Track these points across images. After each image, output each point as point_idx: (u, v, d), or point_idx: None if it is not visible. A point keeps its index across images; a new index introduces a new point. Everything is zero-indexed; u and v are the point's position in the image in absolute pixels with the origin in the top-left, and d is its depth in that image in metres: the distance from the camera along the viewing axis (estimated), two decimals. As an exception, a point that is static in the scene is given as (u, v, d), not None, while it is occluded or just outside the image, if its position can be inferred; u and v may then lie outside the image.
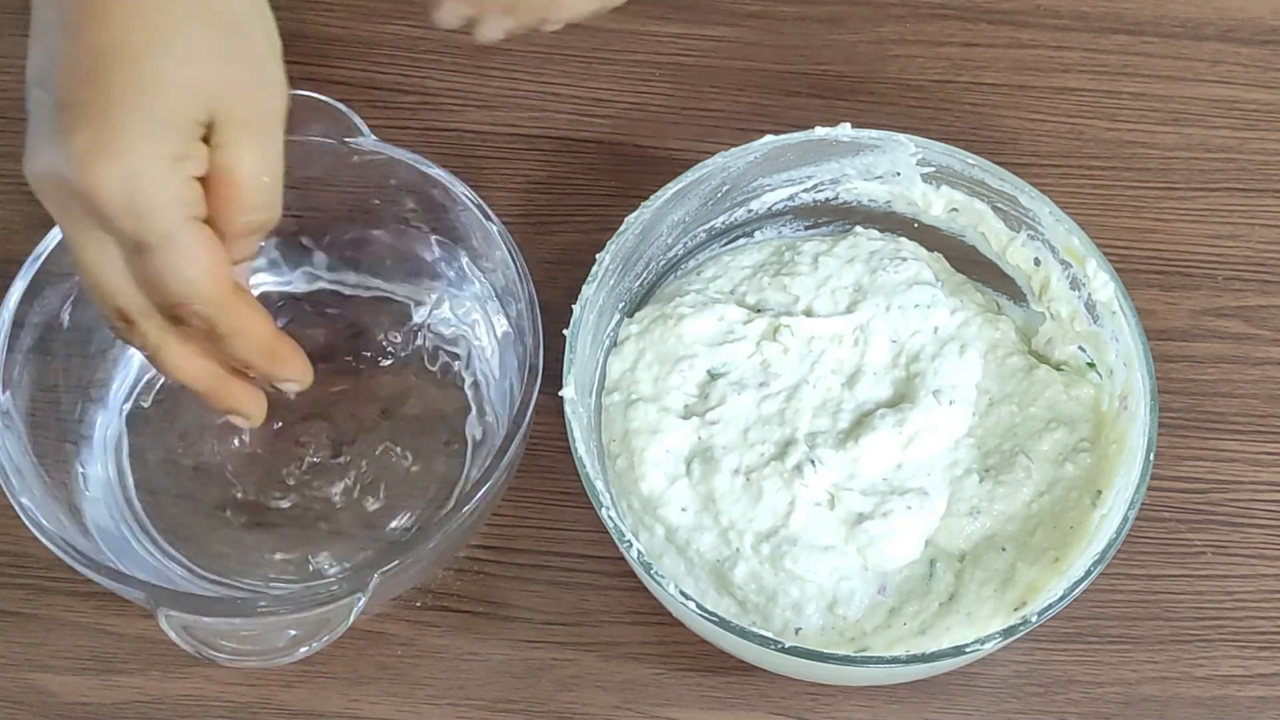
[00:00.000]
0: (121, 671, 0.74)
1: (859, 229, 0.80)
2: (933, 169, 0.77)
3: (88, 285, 0.61)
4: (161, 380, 0.79)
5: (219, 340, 0.62)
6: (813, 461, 0.72)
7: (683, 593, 0.66)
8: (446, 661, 0.74)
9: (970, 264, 0.79)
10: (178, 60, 0.58)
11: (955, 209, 0.78)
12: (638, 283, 0.77)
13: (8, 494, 0.69)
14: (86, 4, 0.57)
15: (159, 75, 0.57)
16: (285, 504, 0.77)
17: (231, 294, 0.61)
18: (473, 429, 0.78)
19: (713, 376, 0.75)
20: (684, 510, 0.72)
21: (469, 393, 0.79)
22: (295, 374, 0.66)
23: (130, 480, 0.77)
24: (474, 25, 0.73)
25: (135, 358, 0.79)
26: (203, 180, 0.60)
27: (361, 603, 0.67)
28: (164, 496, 0.76)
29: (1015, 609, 0.69)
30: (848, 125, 0.76)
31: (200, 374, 0.65)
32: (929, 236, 0.79)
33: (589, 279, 0.73)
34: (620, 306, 0.76)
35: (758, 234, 0.81)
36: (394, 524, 0.76)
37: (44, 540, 0.68)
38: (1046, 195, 0.75)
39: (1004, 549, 0.71)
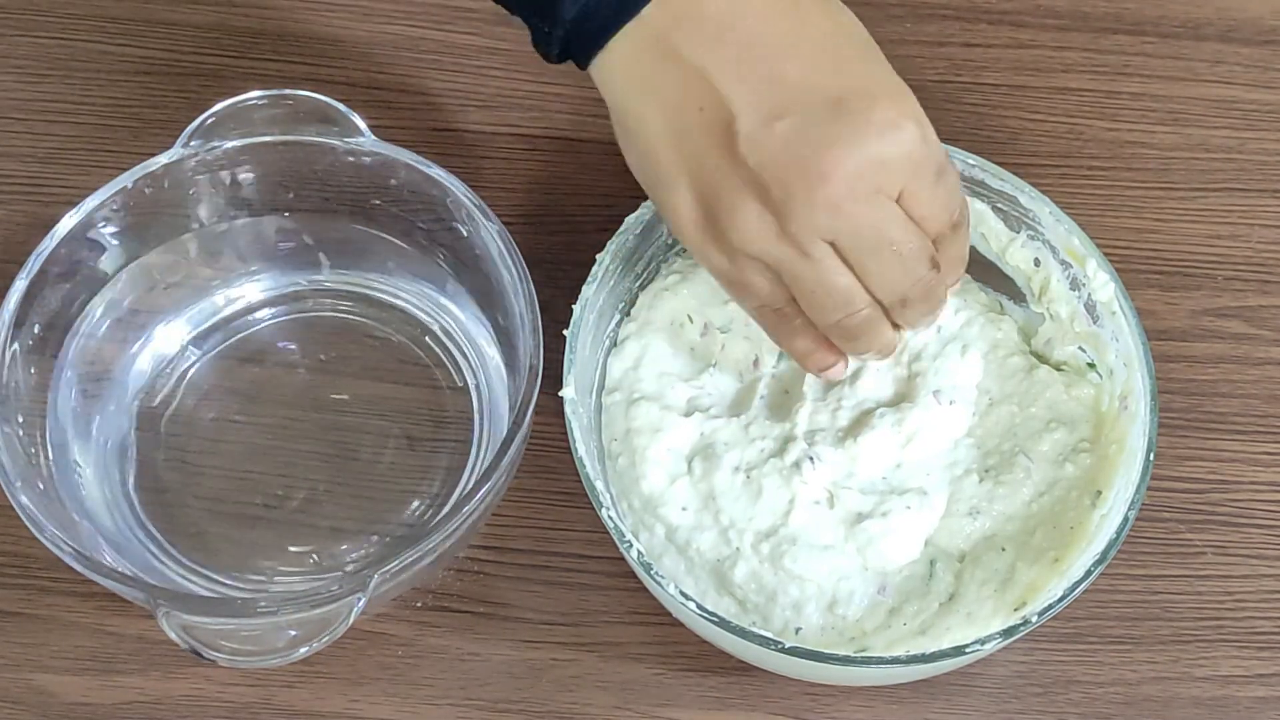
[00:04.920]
0: (122, 671, 0.74)
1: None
2: (933, 169, 0.77)
3: (894, 256, 0.64)
4: (163, 380, 0.79)
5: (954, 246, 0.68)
6: (811, 458, 0.72)
7: (683, 593, 0.66)
8: (447, 662, 0.74)
9: (970, 264, 0.79)
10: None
11: (955, 209, 0.78)
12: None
13: (8, 494, 0.69)
14: (786, 17, 0.63)
15: (869, 37, 0.65)
16: (285, 503, 0.77)
17: None
18: (473, 429, 0.78)
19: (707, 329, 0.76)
20: (684, 509, 0.72)
21: (469, 393, 0.79)
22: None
23: (131, 480, 0.77)
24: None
25: (136, 358, 0.79)
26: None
27: (361, 603, 0.67)
28: (164, 496, 0.77)
29: (1015, 609, 0.69)
30: (848, 125, 0.75)
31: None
32: (929, 237, 0.79)
33: (589, 279, 0.73)
34: (620, 306, 0.76)
35: (758, 234, 0.81)
36: (395, 524, 0.76)
37: (44, 540, 0.68)
38: (1046, 195, 0.75)
39: (1004, 549, 0.71)
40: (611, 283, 0.74)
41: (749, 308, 0.68)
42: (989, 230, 0.77)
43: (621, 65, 0.63)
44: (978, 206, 0.77)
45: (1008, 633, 0.65)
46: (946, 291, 0.68)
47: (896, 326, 0.69)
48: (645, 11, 0.61)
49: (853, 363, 0.75)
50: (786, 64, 0.61)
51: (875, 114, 0.62)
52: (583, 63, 0.64)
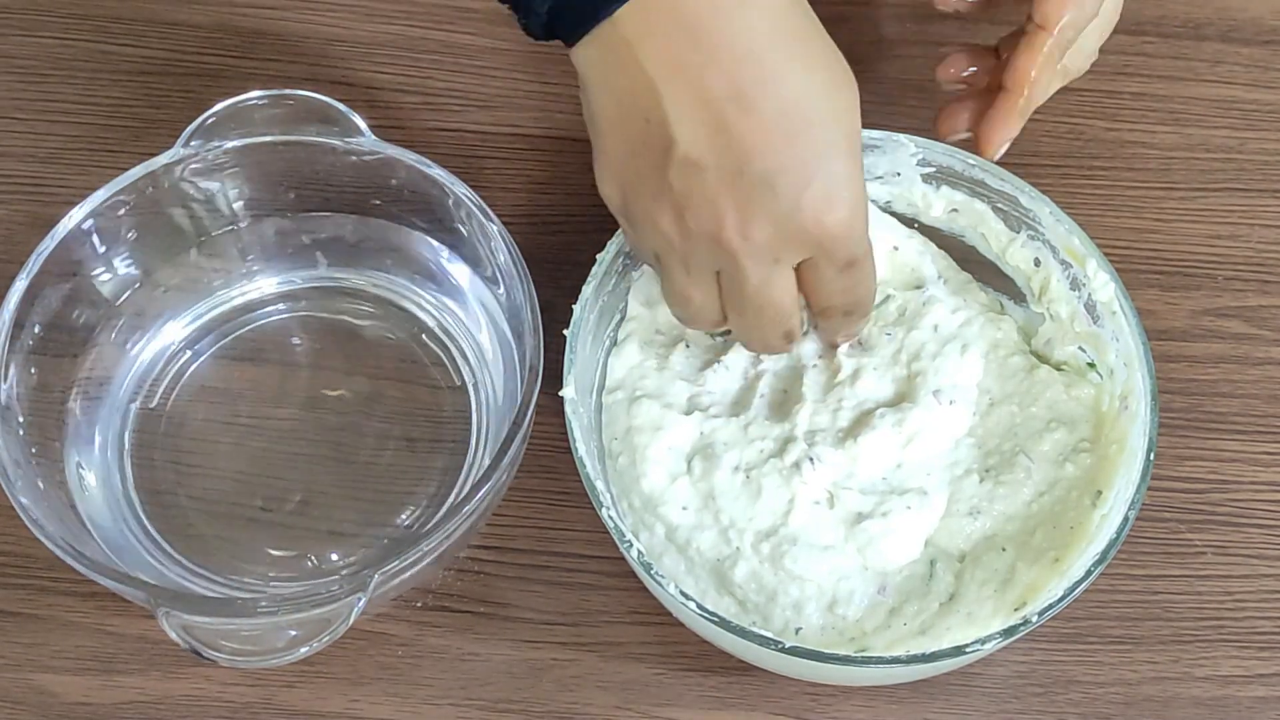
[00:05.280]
0: (122, 672, 0.74)
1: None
2: (933, 169, 0.77)
3: (771, 316, 0.68)
4: (162, 381, 0.79)
5: (844, 324, 0.73)
6: (811, 459, 0.72)
7: (683, 593, 0.66)
8: (447, 662, 0.74)
9: (970, 265, 0.79)
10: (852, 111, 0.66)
11: (955, 209, 0.78)
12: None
13: (8, 494, 0.69)
14: (757, 78, 0.62)
15: (850, 130, 0.65)
16: (285, 503, 0.77)
17: None
18: (473, 429, 0.78)
19: (711, 336, 0.76)
20: (684, 509, 0.72)
21: (469, 393, 0.79)
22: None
23: (130, 480, 0.77)
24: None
25: (136, 358, 0.79)
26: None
27: (361, 603, 0.67)
28: (164, 496, 0.77)
29: (1015, 609, 0.69)
30: (848, 125, 0.75)
31: None
32: (929, 237, 0.79)
33: (589, 279, 0.73)
34: (620, 307, 0.76)
35: (759, 234, 0.81)
36: (394, 524, 0.76)
37: (44, 540, 0.68)
38: (1046, 195, 0.75)
39: (1004, 549, 0.71)
40: (612, 282, 0.74)
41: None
42: (989, 230, 0.77)
43: (592, 57, 0.64)
44: (978, 207, 0.77)
45: (1008, 633, 0.65)
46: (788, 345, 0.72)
47: None
48: (619, 14, 0.62)
49: (851, 364, 0.75)
50: (740, 120, 0.62)
51: (804, 198, 0.63)
52: (569, 45, 0.65)
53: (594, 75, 0.65)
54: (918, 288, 0.77)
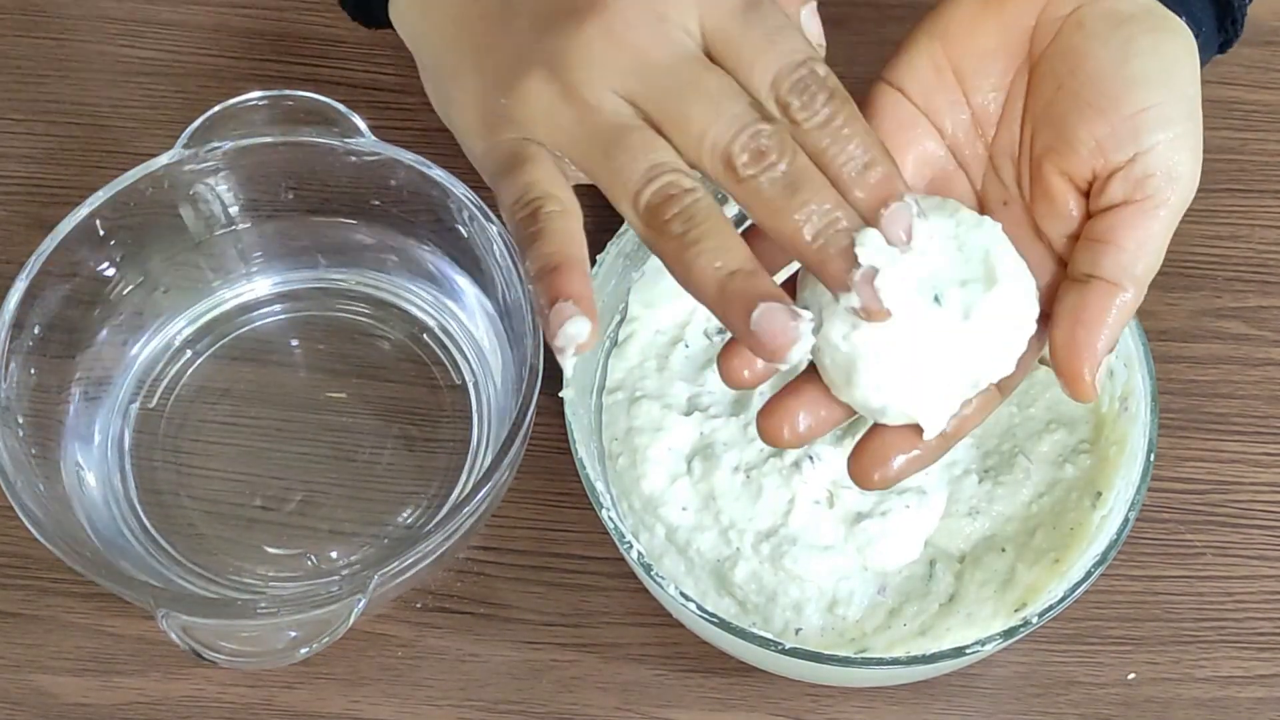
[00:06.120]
0: (122, 673, 0.74)
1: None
2: (933, 170, 0.77)
3: (647, 169, 0.54)
4: (162, 381, 0.79)
5: (825, 135, 0.54)
6: (810, 457, 0.72)
7: (683, 594, 0.66)
8: (447, 663, 0.74)
9: (971, 265, 0.79)
10: None
11: (955, 209, 0.78)
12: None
13: (8, 494, 0.69)
14: None
15: None
16: (285, 504, 0.77)
17: None
18: (473, 429, 0.78)
19: (709, 337, 0.76)
20: (684, 510, 0.72)
21: (469, 392, 0.79)
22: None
23: (131, 480, 0.77)
24: None
25: (136, 358, 0.79)
26: None
27: (361, 604, 0.67)
28: (164, 496, 0.77)
29: (1015, 610, 0.69)
30: (848, 126, 0.75)
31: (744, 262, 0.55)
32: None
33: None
34: (620, 307, 0.76)
35: (758, 234, 0.81)
36: (394, 525, 0.76)
37: (44, 541, 0.67)
38: (1047, 196, 0.74)
39: (1004, 550, 0.71)
40: (612, 283, 0.74)
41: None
42: (989, 231, 0.77)
43: (401, 5, 0.62)
44: (978, 207, 0.77)
45: (1008, 634, 0.65)
46: (840, 153, 0.54)
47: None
48: None
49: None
50: None
51: None
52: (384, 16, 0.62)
53: (411, 9, 0.61)
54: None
